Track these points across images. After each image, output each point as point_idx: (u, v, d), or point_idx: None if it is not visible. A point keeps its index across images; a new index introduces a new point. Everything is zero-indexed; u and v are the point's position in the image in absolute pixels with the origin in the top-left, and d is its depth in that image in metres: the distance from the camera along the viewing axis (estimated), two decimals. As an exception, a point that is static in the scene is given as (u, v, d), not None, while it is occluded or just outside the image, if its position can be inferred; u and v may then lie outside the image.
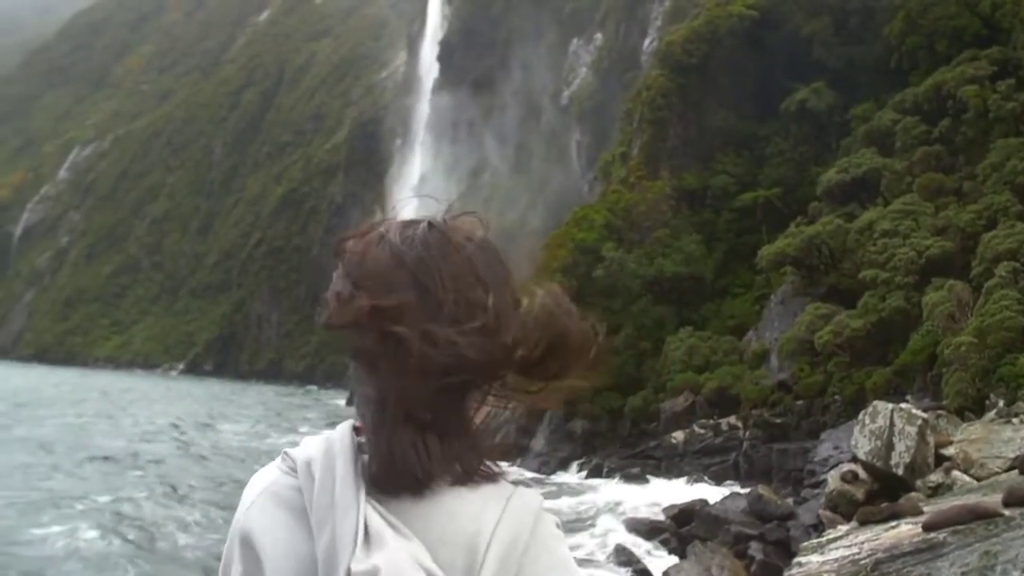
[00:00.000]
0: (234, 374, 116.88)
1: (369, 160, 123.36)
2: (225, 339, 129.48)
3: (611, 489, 27.04)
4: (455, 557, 1.17)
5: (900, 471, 14.04)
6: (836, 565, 8.91)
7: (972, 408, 19.11)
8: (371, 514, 1.17)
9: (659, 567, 16.20)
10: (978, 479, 13.32)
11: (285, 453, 1.29)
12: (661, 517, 21.00)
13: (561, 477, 30.26)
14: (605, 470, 29.11)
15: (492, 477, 1.25)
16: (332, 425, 1.33)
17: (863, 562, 8.48)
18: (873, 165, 31.58)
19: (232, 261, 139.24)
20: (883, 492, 14.10)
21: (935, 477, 13.74)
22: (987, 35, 33.46)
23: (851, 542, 9.87)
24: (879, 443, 14.36)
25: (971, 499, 10.46)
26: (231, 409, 62.10)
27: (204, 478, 27.59)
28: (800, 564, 9.65)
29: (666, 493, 24.50)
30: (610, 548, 17.69)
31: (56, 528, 19.75)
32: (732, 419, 27.76)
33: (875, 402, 15.68)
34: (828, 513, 14.55)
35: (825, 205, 32.44)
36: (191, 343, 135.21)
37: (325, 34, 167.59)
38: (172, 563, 17.42)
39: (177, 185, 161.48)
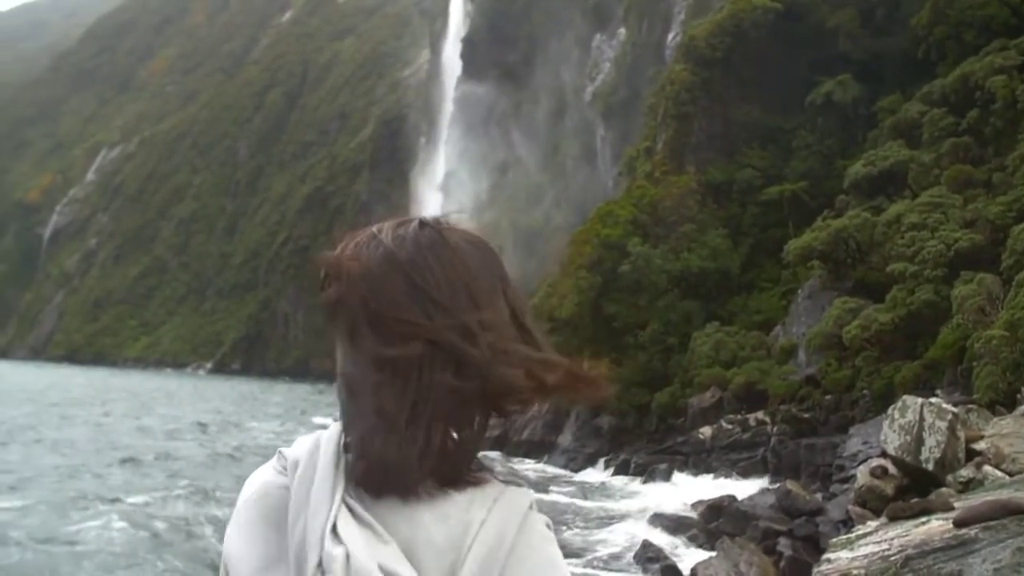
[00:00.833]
0: (261, 373, 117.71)
1: (394, 158, 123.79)
2: (252, 338, 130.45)
3: (638, 485, 27.02)
4: (441, 558, 1.16)
5: (930, 466, 13.90)
6: (866, 561, 8.84)
7: (1003, 402, 18.87)
8: (343, 515, 1.16)
9: (687, 563, 16.14)
10: (1010, 474, 13.16)
11: (279, 452, 1.29)
12: (689, 513, 20.97)
13: (587, 474, 30.24)
14: (632, 466, 29.06)
15: (480, 479, 1.23)
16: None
17: (893, 558, 8.41)
18: (900, 158, 31.28)
19: (258, 260, 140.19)
20: (913, 487, 13.97)
21: (966, 472, 13.59)
22: (1016, 24, 33.01)
23: (881, 538, 9.78)
24: (908, 438, 14.22)
25: (1003, 494, 10.33)
26: (259, 408, 62.51)
27: (232, 476, 27.75)
28: (829, 560, 9.57)
29: (694, 489, 24.44)
30: (637, 544, 17.66)
31: (87, 524, 19.97)
32: (760, 414, 27.62)
33: (904, 396, 15.53)
34: (857, 509, 14.44)
35: (852, 198, 32.17)
36: (218, 342, 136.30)
37: (348, 33, 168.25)
38: (199, 561, 17.55)
39: (203, 186, 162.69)
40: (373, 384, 1.21)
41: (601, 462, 30.94)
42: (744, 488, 22.90)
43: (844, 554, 9.57)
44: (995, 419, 16.62)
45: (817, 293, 30.37)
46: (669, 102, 41.67)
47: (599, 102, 79.38)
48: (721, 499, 20.75)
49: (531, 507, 1.23)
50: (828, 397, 26.51)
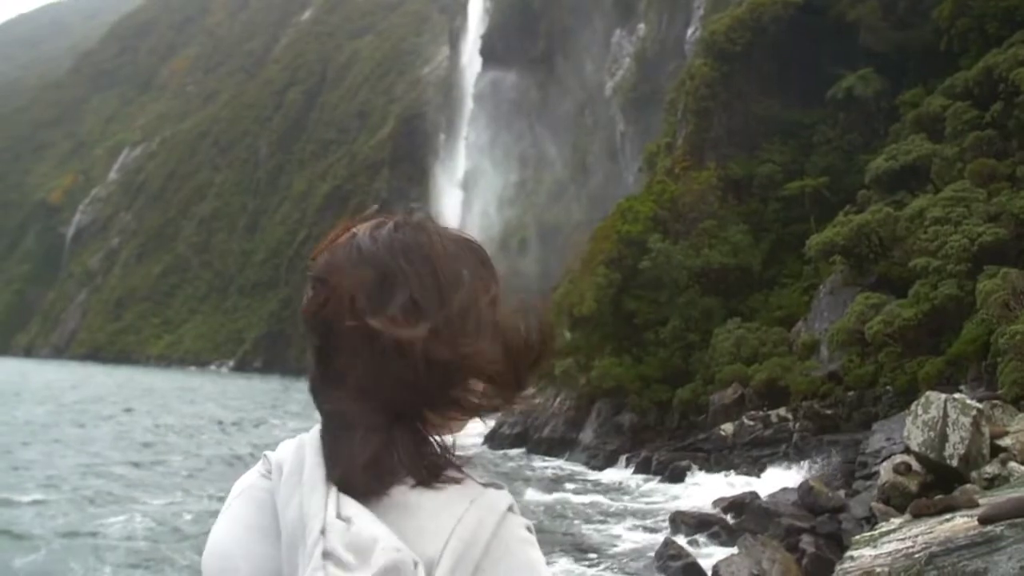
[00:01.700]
0: (283, 371, 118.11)
1: (414, 155, 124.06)
2: (274, 336, 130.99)
3: (659, 483, 26.95)
4: (418, 558, 1.15)
5: (954, 462, 13.79)
6: (889, 559, 8.77)
7: (1028, 398, 18.72)
8: (337, 495, 1.16)
9: (709, 560, 16.08)
10: (1035, 470, 13.06)
11: (264, 456, 1.31)
12: (711, 510, 20.89)
13: (608, 471, 30.17)
14: (654, 463, 28.98)
15: (458, 479, 1.22)
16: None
17: (917, 556, 8.33)
18: (923, 152, 31.02)
19: (279, 258, 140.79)
20: (937, 484, 13.87)
21: (991, 468, 13.48)
22: (1039, 16, 32.73)
23: (904, 535, 9.70)
24: (932, 434, 14.11)
25: (1029, 490, 10.25)
26: (280, 406, 62.78)
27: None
28: (852, 558, 9.51)
29: (715, 486, 24.36)
30: (658, 542, 17.61)
31: (109, 521, 20.13)
32: (782, 411, 27.48)
33: (928, 392, 15.41)
34: (881, 506, 14.35)
35: (874, 193, 31.94)
36: (240, 340, 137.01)
37: (367, 31, 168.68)
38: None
39: (224, 184, 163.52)
40: (342, 387, 1.22)
41: (622, 459, 30.85)
42: (766, 485, 22.80)
43: (867, 551, 9.50)
44: (1020, 415, 16.47)
45: (839, 288, 30.18)
46: (689, 97, 41.51)
47: (619, 97, 79.30)
48: (743, 496, 20.66)
49: (510, 509, 1.22)
50: (851, 393, 26.33)
